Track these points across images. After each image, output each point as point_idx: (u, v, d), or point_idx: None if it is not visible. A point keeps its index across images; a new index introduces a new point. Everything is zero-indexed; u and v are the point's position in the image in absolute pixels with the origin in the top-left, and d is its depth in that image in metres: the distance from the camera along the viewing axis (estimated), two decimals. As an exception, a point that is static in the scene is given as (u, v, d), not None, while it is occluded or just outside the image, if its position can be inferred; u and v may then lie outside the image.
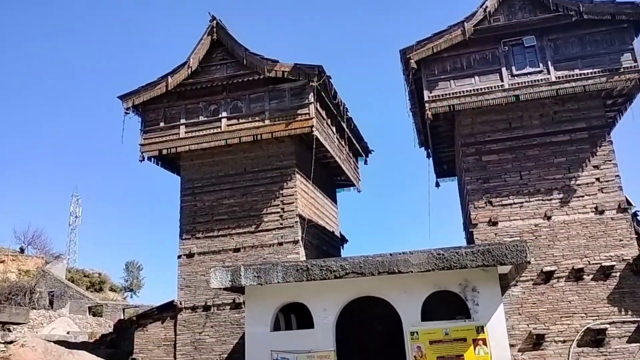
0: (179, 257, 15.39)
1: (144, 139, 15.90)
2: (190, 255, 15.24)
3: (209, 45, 15.67)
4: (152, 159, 16.22)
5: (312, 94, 14.70)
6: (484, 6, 13.74)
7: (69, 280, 34.43)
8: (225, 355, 14.18)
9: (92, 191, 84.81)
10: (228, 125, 15.27)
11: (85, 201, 64.38)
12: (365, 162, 21.05)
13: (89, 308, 31.99)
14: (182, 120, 15.70)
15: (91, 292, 35.38)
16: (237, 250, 14.93)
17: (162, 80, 15.68)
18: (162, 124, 15.86)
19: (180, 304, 14.93)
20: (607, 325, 12.04)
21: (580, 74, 13.15)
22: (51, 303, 31.42)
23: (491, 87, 13.57)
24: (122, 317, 27.14)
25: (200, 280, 14.85)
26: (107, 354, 16.49)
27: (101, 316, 31.13)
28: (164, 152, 15.66)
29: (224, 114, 15.36)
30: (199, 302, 14.80)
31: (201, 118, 15.58)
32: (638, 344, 11.82)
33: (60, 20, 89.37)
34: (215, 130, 15.29)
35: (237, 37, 15.55)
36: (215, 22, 15.68)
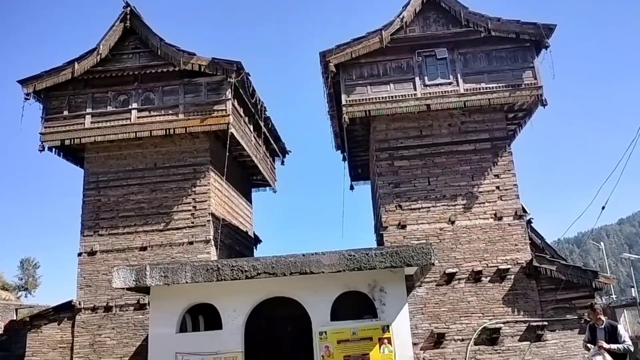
0: (80, 254, 14.50)
1: (45, 127, 14.83)
2: (92, 253, 14.41)
3: (122, 33, 14.92)
4: (54, 149, 15.17)
5: (229, 90, 14.43)
6: (401, 16, 14.19)
7: (-47, 277, 31.40)
8: (127, 358, 13.54)
9: (-15, 182, 78.20)
10: (139, 118, 14.61)
11: (-25, 192, 59.17)
12: (282, 163, 21.09)
13: (-24, 308, 29.33)
14: (89, 110, 14.81)
15: (-21, 291, 32.46)
16: (143, 248, 14.31)
17: (68, 66, 14.70)
18: (66, 113, 14.87)
19: (80, 304, 14.07)
20: (502, 325, 12.84)
21: (486, 88, 13.95)
22: None
23: (405, 95, 14.04)
24: (15, 318, 25.13)
25: (102, 280, 14.09)
26: (-5, 357, 15.24)
27: (-11, 317, 28.64)
28: (67, 142, 14.69)
29: (135, 105, 14.67)
30: (100, 302, 14.03)
31: (109, 108, 14.79)
32: (528, 342, 12.71)
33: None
34: (125, 122, 14.58)
35: (152, 26, 14.94)
36: (129, 8, 14.95)
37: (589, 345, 8.32)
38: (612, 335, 7.89)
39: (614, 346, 7.71)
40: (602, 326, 8.09)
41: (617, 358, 7.68)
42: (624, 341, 7.69)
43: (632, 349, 7.66)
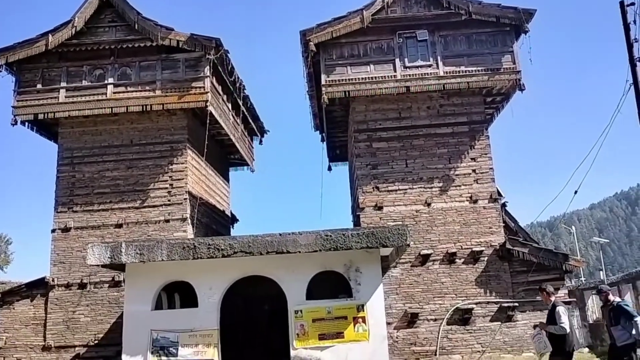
0: (53, 231, 14.29)
1: (18, 100, 14.46)
2: (66, 230, 14.21)
3: (97, 5, 14.50)
4: (27, 123, 14.82)
5: (208, 67, 14.23)
6: (383, -4, 14.09)
7: None
8: (102, 335, 13.50)
9: (-45, 155, 76.17)
10: (114, 93, 14.32)
11: (-55, 166, 57.65)
12: (260, 142, 20.97)
13: (-55, 284, 28.81)
14: (63, 84, 14.45)
15: (-52, 267, 31.86)
16: (119, 226, 14.17)
17: (42, 38, 14.27)
18: (39, 86, 14.49)
19: (53, 280, 13.92)
20: (474, 306, 13.12)
21: (465, 71, 14.01)
22: None
23: (385, 76, 14.03)
24: (-15, 295, 24.77)
25: (76, 257, 13.93)
26: (-36, 334, 15.01)
27: (-40, 293, 28.17)
28: (40, 116, 14.36)
29: (111, 80, 14.36)
30: (74, 279, 13.89)
31: (84, 83, 14.46)
32: (499, 323, 13.03)
33: None
34: (100, 97, 14.28)
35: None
36: (105, -20, 14.55)
37: (535, 325, 8.55)
38: (552, 316, 7.88)
39: (551, 327, 7.74)
40: (550, 307, 8.11)
41: (556, 338, 7.70)
42: (561, 322, 7.60)
43: (566, 330, 7.55)
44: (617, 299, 8.64)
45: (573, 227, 37.56)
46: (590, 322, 17.28)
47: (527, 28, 13.89)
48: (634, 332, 7.83)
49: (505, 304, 13.08)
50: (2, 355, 13.68)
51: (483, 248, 13.47)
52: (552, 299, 8.15)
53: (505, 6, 14.03)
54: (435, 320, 13.10)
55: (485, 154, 14.16)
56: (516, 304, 13.08)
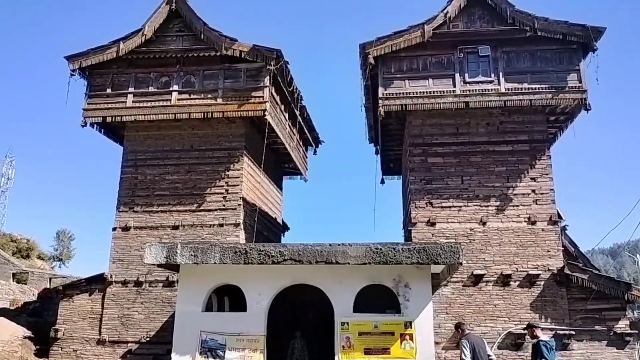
0: (114, 229, 14.91)
1: (88, 103, 15.26)
2: (126, 229, 14.80)
3: (167, 15, 15.16)
4: (95, 125, 15.61)
5: (268, 77, 14.54)
6: (445, 11, 13.98)
7: (-6, 244, 32.68)
8: (153, 333, 13.91)
9: (29, 153, 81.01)
10: (178, 100, 14.87)
11: (19, 164, 61.45)
12: (315, 152, 21.13)
13: (14, 274, 30.45)
14: (131, 89, 15.15)
15: (17, 258, 33.67)
16: (175, 227, 14.62)
17: (113, 44, 15.05)
18: (109, 90, 15.26)
19: (111, 277, 14.50)
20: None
21: (528, 88, 13.64)
22: (-28, 266, 29.74)
23: (443, 91, 13.86)
24: (48, 287, 26.09)
25: (134, 255, 14.47)
26: (29, 322, 15.88)
27: (26, 284, 29.74)
28: (109, 119, 15.09)
29: (176, 87, 14.94)
30: (131, 277, 14.42)
31: (151, 89, 15.09)
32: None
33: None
34: (165, 103, 14.86)
35: (196, 10, 15.13)
36: (175, -9, 15.18)
37: None
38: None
39: None
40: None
41: None
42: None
43: None
44: (542, 336, 9.34)
45: (638, 256, 35.54)
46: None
47: (596, 46, 13.38)
48: None
49: (561, 332, 12.51)
50: (60, 346, 14.32)
51: (540, 272, 12.97)
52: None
53: (573, 23, 13.58)
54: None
55: (546, 174, 13.69)
56: (573, 332, 12.49)
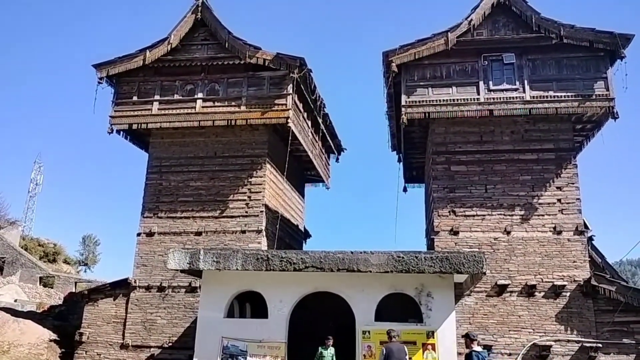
0: (139, 234, 15.12)
1: (115, 111, 15.57)
2: (150, 234, 15.00)
3: (192, 24, 15.42)
4: (122, 132, 15.90)
5: (291, 85, 14.64)
6: (469, 19, 13.90)
7: (22, 247, 33.42)
8: (175, 338, 14.03)
9: (56, 159, 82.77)
10: (203, 107, 15.06)
11: (47, 170, 62.82)
12: (337, 160, 21.16)
13: (40, 278, 31.14)
14: (157, 97, 15.40)
15: (44, 262, 34.42)
16: (198, 233, 14.76)
17: (140, 53, 15.35)
18: (135, 98, 15.54)
19: (135, 282, 14.69)
20: (553, 343, 12.38)
21: (554, 96, 13.45)
22: (1, 269, 30.47)
23: (467, 99, 13.77)
24: (74, 291, 26.56)
25: (157, 260, 14.64)
26: (54, 325, 16.14)
27: (52, 287, 30.37)
28: (134, 126, 15.36)
29: (200, 95, 15.14)
30: (154, 282, 14.59)
31: (176, 96, 15.33)
32: (579, 363, 12.20)
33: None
34: (189, 111, 15.07)
35: (221, 19, 15.35)
36: (201, 0, 15.43)
37: None
38: None
39: None
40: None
41: None
42: None
43: None
44: (475, 348, 9.02)
45: (669, 268, 34.57)
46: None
47: (624, 54, 13.15)
48: None
49: (588, 344, 12.23)
50: (84, 350, 14.54)
51: (566, 283, 12.73)
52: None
53: (600, 30, 13.38)
54: (510, 354, 12.47)
55: (572, 183, 13.45)
56: (599, 345, 12.19)
